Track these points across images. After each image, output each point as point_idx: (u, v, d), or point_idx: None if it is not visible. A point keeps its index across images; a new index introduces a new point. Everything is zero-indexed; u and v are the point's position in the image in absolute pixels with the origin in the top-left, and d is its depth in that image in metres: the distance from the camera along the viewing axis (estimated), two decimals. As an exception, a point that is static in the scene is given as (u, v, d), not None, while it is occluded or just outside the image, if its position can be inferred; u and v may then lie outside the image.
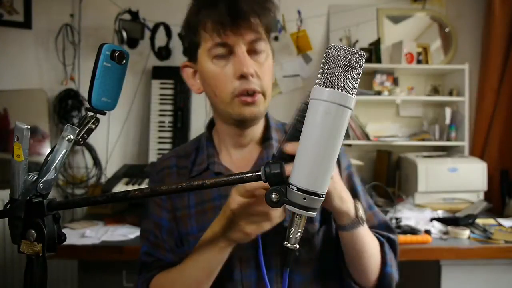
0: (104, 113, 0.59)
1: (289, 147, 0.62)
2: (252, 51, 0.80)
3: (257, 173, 0.56)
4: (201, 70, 0.84)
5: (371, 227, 0.88)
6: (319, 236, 0.86)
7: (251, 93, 0.79)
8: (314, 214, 0.54)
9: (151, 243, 0.89)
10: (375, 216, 0.92)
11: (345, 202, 0.73)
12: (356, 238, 0.77)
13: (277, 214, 0.67)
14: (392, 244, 0.89)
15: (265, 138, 0.90)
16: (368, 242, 0.80)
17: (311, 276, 0.85)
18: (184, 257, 0.84)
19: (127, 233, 1.83)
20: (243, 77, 0.78)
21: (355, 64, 0.52)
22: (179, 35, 2.52)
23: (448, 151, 2.58)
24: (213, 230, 0.74)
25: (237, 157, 0.90)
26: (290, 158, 0.63)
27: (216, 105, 0.84)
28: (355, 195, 0.88)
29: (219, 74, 0.80)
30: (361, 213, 0.76)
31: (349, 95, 0.51)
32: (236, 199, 0.66)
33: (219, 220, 0.72)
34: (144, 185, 2.16)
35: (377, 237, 0.86)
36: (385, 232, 0.90)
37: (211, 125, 0.94)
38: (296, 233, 0.56)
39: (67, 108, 2.53)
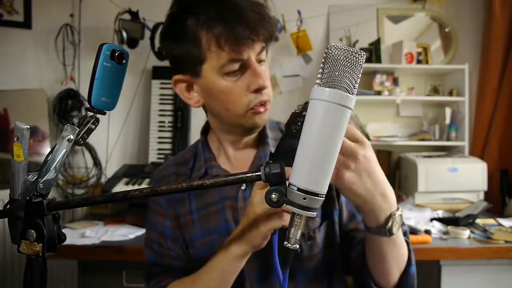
0: (104, 113, 0.59)
1: None
2: (258, 62, 0.80)
3: (257, 173, 0.56)
4: (207, 85, 0.80)
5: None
6: (320, 232, 0.85)
7: (264, 103, 0.80)
8: (314, 214, 0.54)
9: (157, 253, 0.89)
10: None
11: (378, 202, 0.66)
12: (381, 244, 0.72)
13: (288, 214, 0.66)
14: (407, 236, 0.84)
15: (261, 137, 0.91)
16: (395, 249, 0.74)
17: (314, 273, 0.84)
18: (191, 263, 0.84)
19: (127, 233, 1.83)
20: (258, 90, 0.78)
21: (355, 64, 0.52)
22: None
23: (448, 151, 2.58)
24: (232, 236, 0.73)
25: (235, 158, 0.90)
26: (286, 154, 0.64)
27: (225, 119, 0.83)
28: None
29: (232, 89, 0.78)
30: (392, 224, 0.68)
31: (349, 95, 0.51)
32: (262, 205, 0.65)
33: (239, 226, 0.72)
34: (144, 185, 2.16)
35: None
36: None
37: (206, 130, 0.95)
38: (296, 233, 0.56)
39: (67, 108, 2.53)
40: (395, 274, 0.77)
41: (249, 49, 0.76)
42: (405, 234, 0.81)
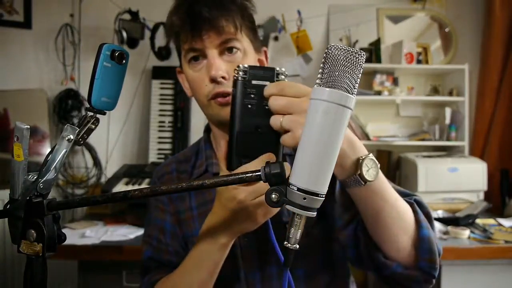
0: (104, 113, 0.59)
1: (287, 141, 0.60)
2: (226, 52, 0.81)
3: (257, 173, 0.56)
4: (185, 75, 0.86)
5: None
6: (318, 228, 0.85)
7: (226, 95, 0.79)
8: (314, 214, 0.54)
9: (155, 248, 0.89)
10: None
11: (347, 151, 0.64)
12: (367, 199, 0.68)
13: None
14: (420, 205, 0.78)
15: None
16: (386, 205, 0.69)
17: (314, 269, 0.84)
18: None
19: (127, 233, 1.83)
20: (214, 80, 0.79)
21: (355, 64, 0.52)
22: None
23: (448, 151, 2.58)
24: (212, 225, 0.71)
25: None
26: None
27: (200, 107, 0.86)
28: None
29: (195, 78, 0.82)
30: (362, 169, 0.64)
31: (349, 95, 0.51)
32: (241, 189, 0.64)
33: (216, 215, 0.69)
34: (144, 185, 2.16)
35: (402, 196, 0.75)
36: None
37: (209, 128, 0.95)
38: (296, 233, 0.56)
39: (67, 108, 2.54)
40: (401, 239, 0.72)
41: (203, 40, 0.79)
42: (406, 195, 0.78)
